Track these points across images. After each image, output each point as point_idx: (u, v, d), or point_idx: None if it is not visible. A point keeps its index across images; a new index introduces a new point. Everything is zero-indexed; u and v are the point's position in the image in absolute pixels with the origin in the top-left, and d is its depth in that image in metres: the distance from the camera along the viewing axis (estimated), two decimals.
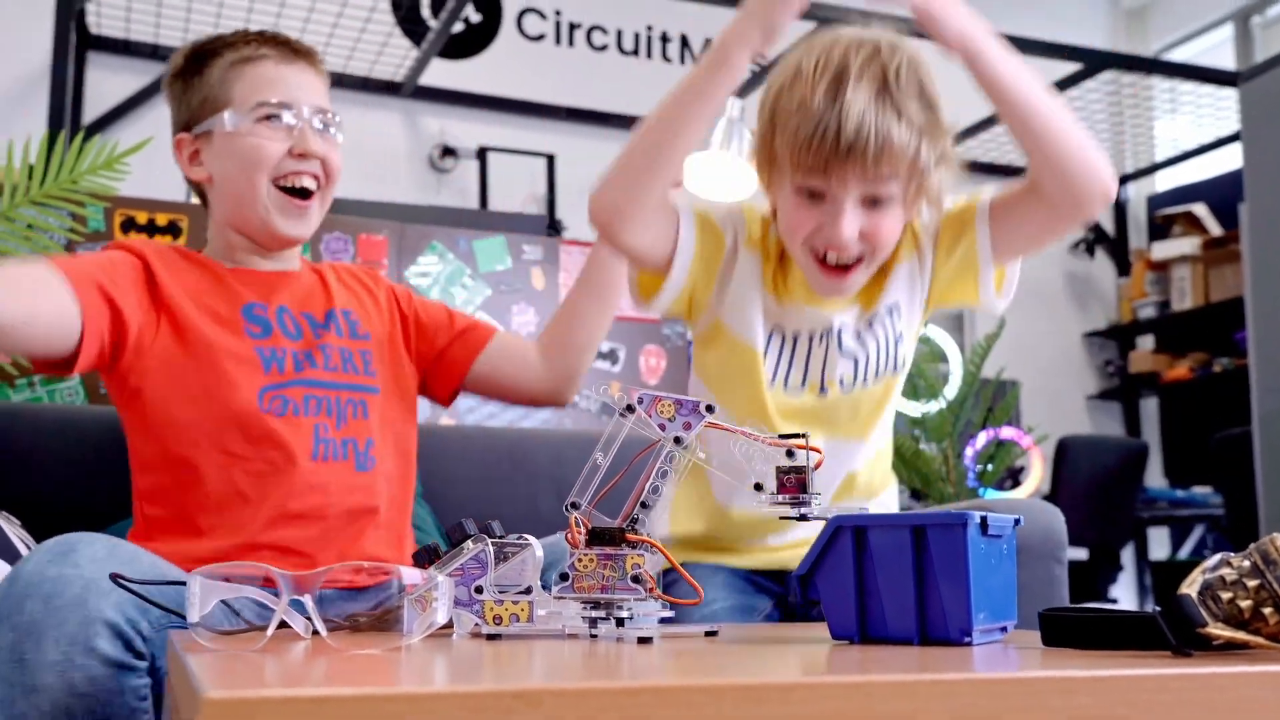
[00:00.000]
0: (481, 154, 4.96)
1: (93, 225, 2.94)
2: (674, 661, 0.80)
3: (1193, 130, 5.66)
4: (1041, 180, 1.28)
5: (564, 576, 0.96)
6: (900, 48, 1.27)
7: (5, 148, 2.32)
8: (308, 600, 0.88)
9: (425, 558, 0.98)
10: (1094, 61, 4.81)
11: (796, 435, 0.96)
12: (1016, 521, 0.99)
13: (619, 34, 5.41)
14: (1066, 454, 4.60)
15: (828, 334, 1.39)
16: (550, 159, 5.03)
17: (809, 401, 1.39)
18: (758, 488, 0.96)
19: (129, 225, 3.00)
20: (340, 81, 4.57)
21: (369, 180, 4.57)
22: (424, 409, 1.67)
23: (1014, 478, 4.59)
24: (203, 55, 1.48)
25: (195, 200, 1.56)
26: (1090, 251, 5.97)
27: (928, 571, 0.91)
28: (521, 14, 5.26)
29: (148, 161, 2.38)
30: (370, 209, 3.65)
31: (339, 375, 1.46)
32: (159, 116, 1.87)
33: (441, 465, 1.92)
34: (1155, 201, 6.09)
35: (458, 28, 5.02)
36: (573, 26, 5.34)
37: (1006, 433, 4.26)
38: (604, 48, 5.38)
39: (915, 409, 4.01)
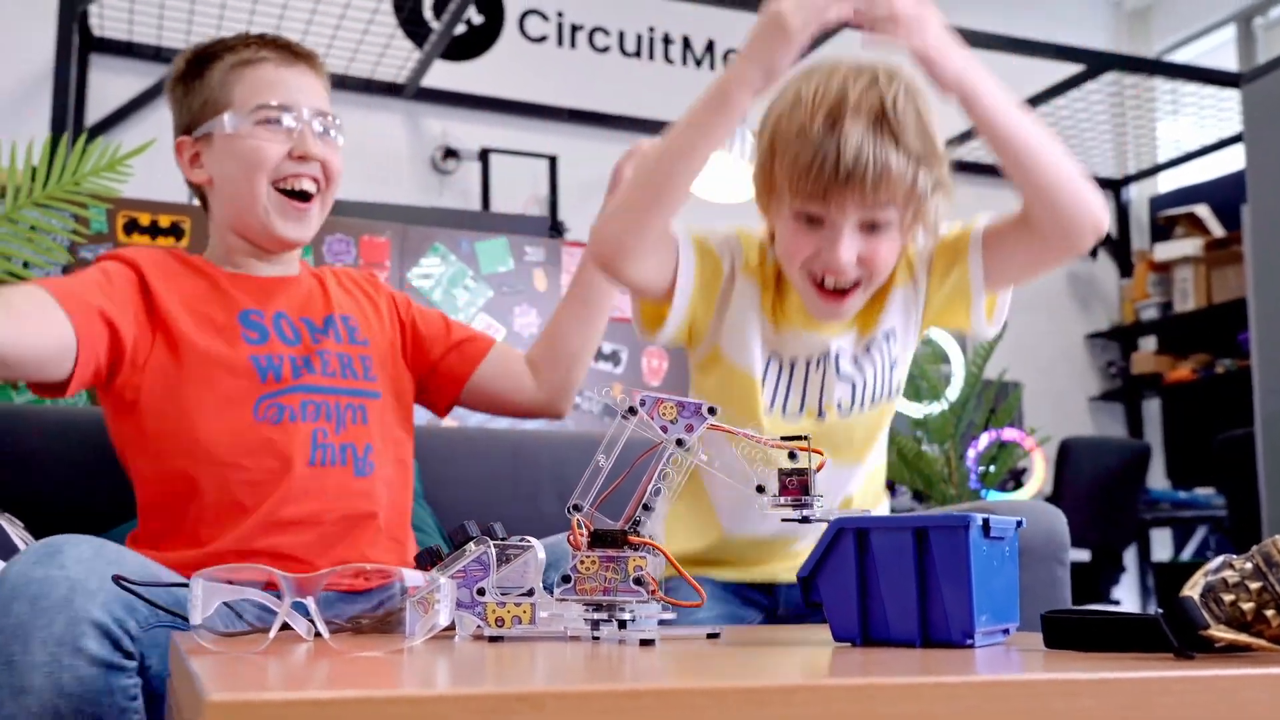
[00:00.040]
0: (484, 155, 4.97)
1: (95, 227, 2.95)
2: (676, 664, 0.80)
3: (1195, 131, 5.66)
4: (1033, 214, 1.30)
5: (566, 579, 0.96)
6: (897, 76, 1.29)
7: (8, 150, 2.32)
8: (310, 602, 0.88)
9: (427, 560, 0.99)
10: (1096, 63, 4.82)
11: (798, 438, 0.96)
12: (1019, 523, 0.99)
13: (621, 35, 5.41)
14: (1069, 455, 4.60)
15: (824, 359, 1.40)
16: (552, 160, 5.03)
17: (807, 427, 1.40)
18: (760, 490, 0.96)
19: (132, 227, 3.00)
20: (342, 83, 4.58)
21: (371, 182, 4.57)
22: (425, 411, 1.67)
23: (1016, 479, 4.59)
24: (204, 58, 1.48)
25: (197, 202, 1.56)
26: (1093, 253, 5.97)
27: (930, 574, 0.91)
28: (524, 15, 5.27)
29: (150, 163, 2.39)
30: (372, 211, 3.66)
31: (337, 380, 1.45)
32: (162, 118, 1.88)
33: (443, 467, 1.92)
34: (1157, 203, 6.10)
35: (460, 29, 5.03)
36: (575, 28, 5.34)
37: (1009, 434, 4.26)
38: (606, 49, 5.39)
39: (917, 410, 4.01)
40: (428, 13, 4.94)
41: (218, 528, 1.35)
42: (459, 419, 2.80)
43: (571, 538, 0.97)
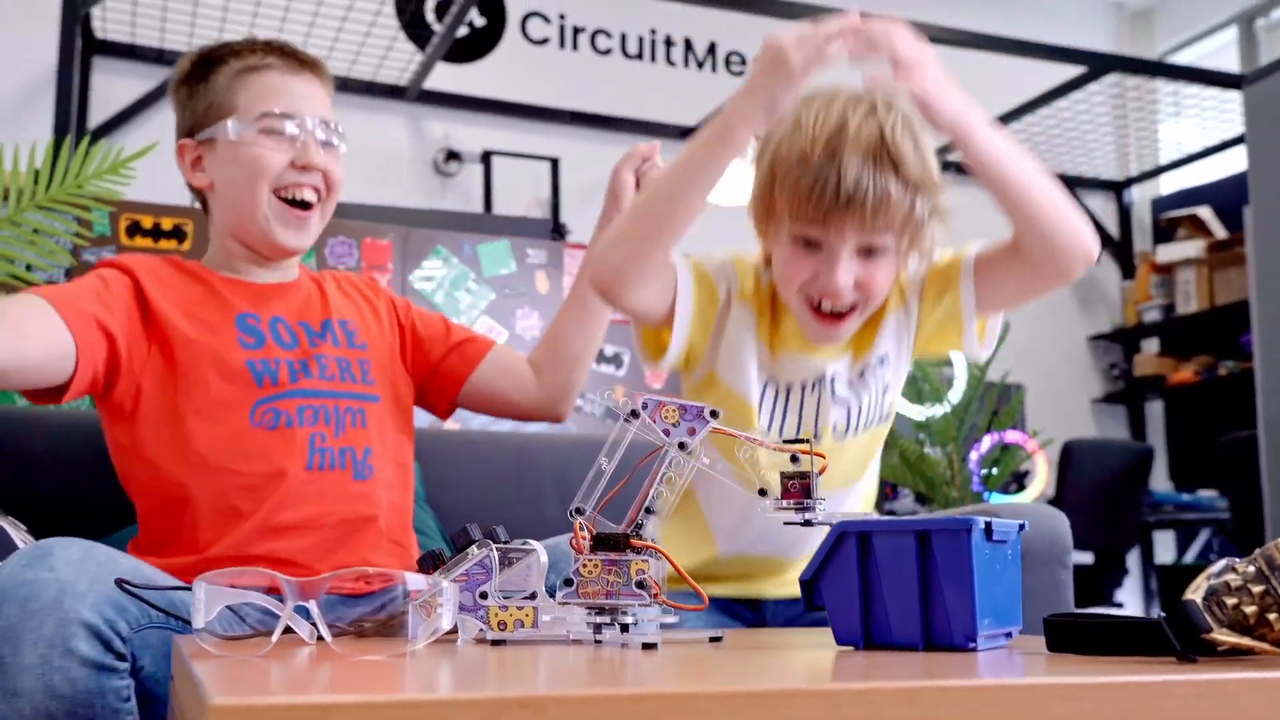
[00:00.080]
0: (486, 158, 4.97)
1: (98, 230, 2.95)
2: (678, 668, 0.80)
3: (1197, 133, 5.66)
4: (1025, 244, 1.33)
5: (568, 582, 0.96)
6: (896, 104, 1.31)
7: (11, 152, 2.32)
8: (313, 606, 0.88)
9: (430, 563, 0.99)
10: (1098, 64, 4.82)
11: (799, 441, 0.96)
12: (1021, 526, 0.99)
13: (623, 38, 5.42)
14: (1071, 458, 4.60)
15: (820, 383, 1.42)
16: (554, 163, 5.04)
17: None
18: (762, 493, 0.96)
19: (134, 230, 3.01)
20: (345, 86, 4.58)
21: (373, 184, 4.58)
22: (427, 414, 1.67)
23: (1019, 482, 4.58)
24: (209, 62, 1.48)
25: (198, 205, 1.56)
26: None
27: (932, 577, 0.91)
28: (525, 18, 5.27)
29: (153, 166, 2.39)
30: (375, 213, 3.66)
31: (336, 384, 1.45)
32: (164, 121, 1.88)
33: (446, 470, 1.92)
34: (1160, 204, 6.09)
35: (462, 32, 5.03)
36: (577, 30, 5.35)
37: (1011, 436, 4.25)
38: (608, 51, 5.39)
39: (920, 413, 4.01)
40: (430, 15, 4.94)
41: (215, 534, 1.34)
42: (461, 421, 2.80)
43: (574, 541, 0.97)
